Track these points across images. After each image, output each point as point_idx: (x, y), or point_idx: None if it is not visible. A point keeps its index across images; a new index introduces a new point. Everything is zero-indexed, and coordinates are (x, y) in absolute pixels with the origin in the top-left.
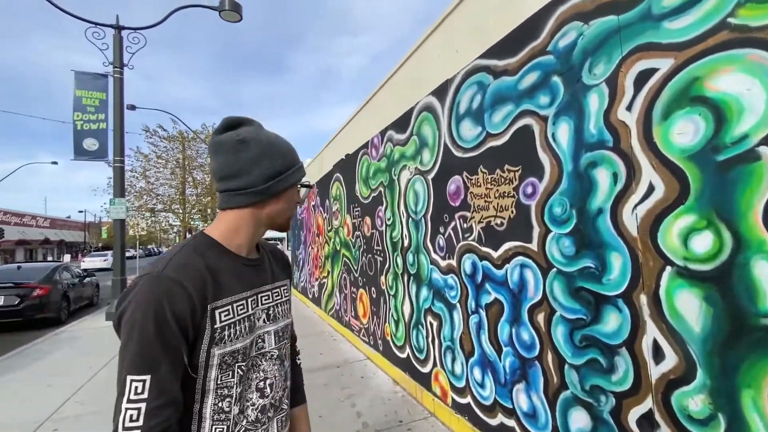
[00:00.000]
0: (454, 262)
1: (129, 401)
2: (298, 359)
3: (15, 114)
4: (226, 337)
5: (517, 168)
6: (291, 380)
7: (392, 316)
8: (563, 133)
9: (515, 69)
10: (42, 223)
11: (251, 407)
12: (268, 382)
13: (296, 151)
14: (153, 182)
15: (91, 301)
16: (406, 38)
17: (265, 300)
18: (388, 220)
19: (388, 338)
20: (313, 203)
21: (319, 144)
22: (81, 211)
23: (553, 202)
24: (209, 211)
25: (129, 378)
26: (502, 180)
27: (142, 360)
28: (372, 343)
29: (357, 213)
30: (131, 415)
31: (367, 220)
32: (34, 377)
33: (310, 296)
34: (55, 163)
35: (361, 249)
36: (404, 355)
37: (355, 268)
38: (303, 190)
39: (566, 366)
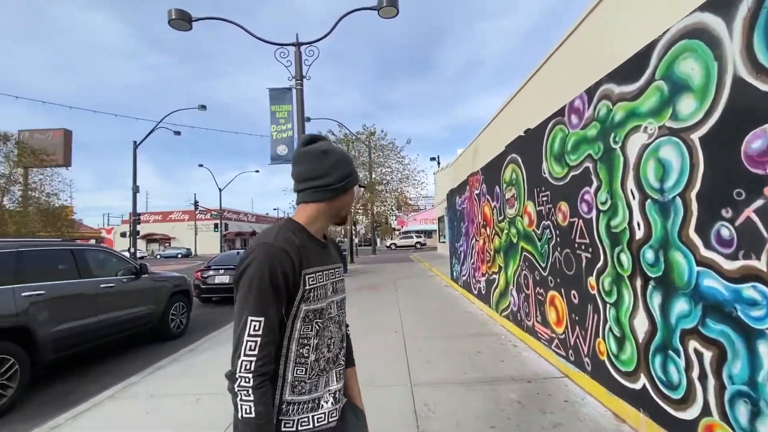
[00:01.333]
0: (762, 265)
1: (249, 336)
2: (348, 330)
3: (233, 134)
4: (312, 297)
5: None
6: (345, 343)
7: (611, 330)
8: None
9: None
10: (250, 219)
11: (323, 359)
12: (333, 340)
13: (352, 160)
14: None
15: None
16: (558, 11)
17: (331, 275)
18: (602, 204)
19: (603, 358)
20: (476, 191)
21: (465, 136)
22: (275, 209)
23: None
24: (369, 205)
25: (250, 318)
26: None
27: (259, 305)
28: (573, 359)
29: (545, 198)
30: (250, 346)
31: (563, 206)
32: None
33: (475, 292)
34: (257, 171)
35: (552, 242)
36: (636, 386)
37: (542, 265)
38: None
39: None
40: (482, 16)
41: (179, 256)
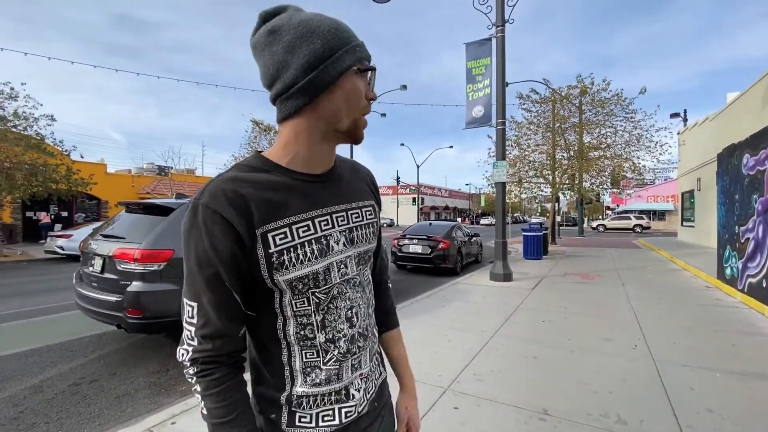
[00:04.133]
0: None
1: (186, 321)
2: (389, 283)
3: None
4: (287, 263)
5: None
6: (382, 303)
7: None
8: None
9: None
10: (444, 194)
11: (343, 338)
12: (354, 310)
13: (347, 28)
14: (525, 149)
15: (476, 258)
16: None
17: (342, 221)
18: None
19: None
20: None
21: (730, 82)
22: (467, 184)
23: None
24: (580, 175)
25: (184, 300)
26: None
27: (189, 288)
28: None
29: None
30: (188, 334)
31: None
32: (436, 326)
33: None
34: (451, 147)
35: None
36: None
37: None
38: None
39: None
40: None
41: (385, 225)
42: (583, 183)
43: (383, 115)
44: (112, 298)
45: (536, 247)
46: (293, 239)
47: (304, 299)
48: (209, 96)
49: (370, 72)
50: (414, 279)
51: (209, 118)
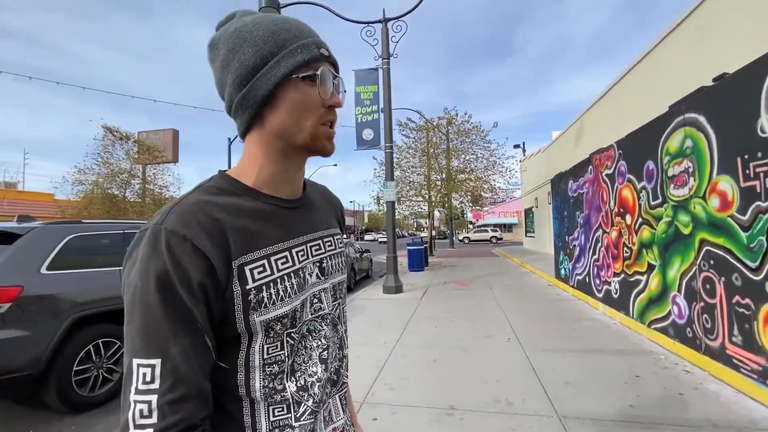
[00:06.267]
0: None
1: (138, 392)
2: (343, 329)
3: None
4: (266, 300)
5: None
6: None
7: None
8: None
9: None
10: None
11: (317, 383)
12: (329, 351)
13: (291, 27)
14: (405, 170)
15: (367, 273)
16: None
17: (316, 250)
18: None
19: None
20: (607, 171)
21: (556, 121)
22: (351, 202)
23: None
24: (450, 194)
25: (135, 362)
26: None
27: (148, 339)
28: None
29: (763, 170)
30: (141, 410)
31: None
32: None
33: (599, 295)
34: (336, 165)
35: None
36: None
37: (751, 265)
38: (328, 82)
39: None
40: None
41: None
42: (453, 201)
43: None
44: None
45: (419, 260)
46: (272, 273)
47: (278, 343)
48: (33, 91)
49: (326, 75)
50: None
51: (33, 120)
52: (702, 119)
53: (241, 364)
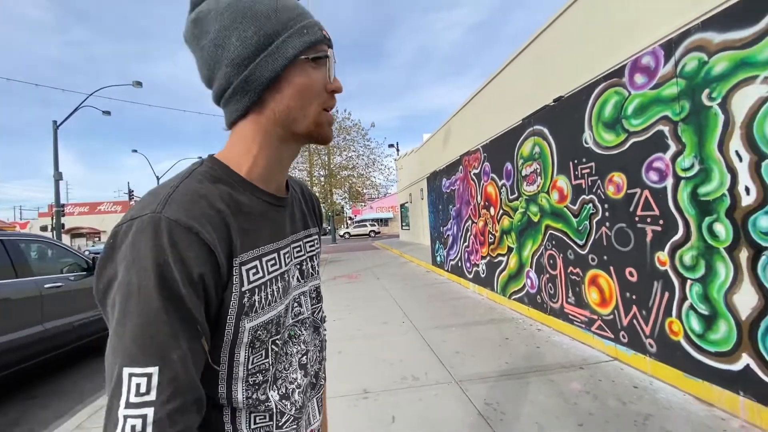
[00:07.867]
0: None
1: (129, 405)
2: (324, 331)
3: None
4: (257, 304)
5: None
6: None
7: (692, 308)
8: None
9: None
10: None
11: (297, 390)
12: (309, 356)
13: (294, 5)
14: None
15: None
16: (502, 6)
17: (298, 252)
18: (685, 170)
19: (677, 339)
20: (474, 171)
21: (424, 124)
22: None
23: None
24: (331, 190)
25: (126, 372)
26: None
27: (146, 344)
28: (626, 340)
29: (586, 171)
30: (133, 426)
31: (615, 176)
32: None
33: (470, 276)
34: (200, 158)
35: (597, 217)
36: (734, 367)
37: (579, 242)
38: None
39: None
40: (438, 7)
41: None
42: (334, 197)
43: (106, 112)
44: None
45: None
46: (263, 275)
47: (263, 351)
48: None
49: (332, 58)
50: None
51: None
52: (546, 130)
53: (223, 378)
